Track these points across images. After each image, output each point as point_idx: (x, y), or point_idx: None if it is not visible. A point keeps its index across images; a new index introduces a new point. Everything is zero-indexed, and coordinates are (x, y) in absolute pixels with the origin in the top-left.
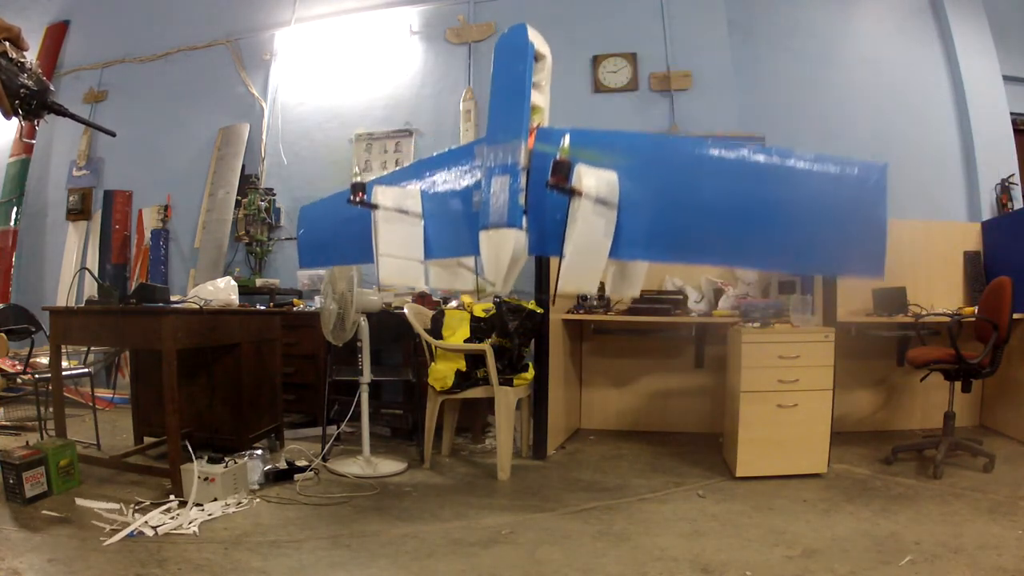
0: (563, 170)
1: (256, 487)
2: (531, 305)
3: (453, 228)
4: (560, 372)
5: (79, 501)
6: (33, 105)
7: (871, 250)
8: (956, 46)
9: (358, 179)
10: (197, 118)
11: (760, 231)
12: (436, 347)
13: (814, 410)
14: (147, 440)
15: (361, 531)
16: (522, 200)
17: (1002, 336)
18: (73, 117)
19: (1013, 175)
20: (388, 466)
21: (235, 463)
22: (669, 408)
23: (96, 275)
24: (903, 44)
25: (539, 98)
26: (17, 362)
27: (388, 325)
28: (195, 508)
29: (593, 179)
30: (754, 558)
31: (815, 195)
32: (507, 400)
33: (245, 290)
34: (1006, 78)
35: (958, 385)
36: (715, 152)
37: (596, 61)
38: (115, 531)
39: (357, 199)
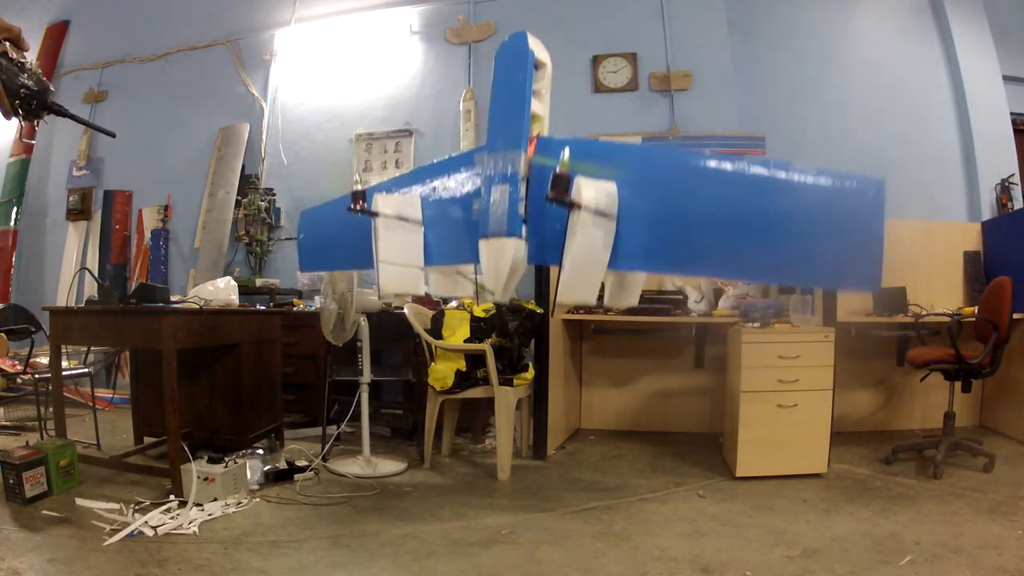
0: (563, 184)
1: (256, 487)
2: (531, 305)
3: (453, 235)
4: (560, 372)
5: (79, 501)
6: (33, 105)
7: (868, 264)
8: (956, 46)
9: (358, 186)
10: (197, 118)
11: (758, 244)
12: (436, 347)
13: (814, 410)
14: (147, 440)
15: (361, 531)
16: (522, 209)
17: (1002, 336)
18: (73, 118)
19: (1013, 175)
20: (388, 466)
21: (235, 463)
22: (669, 408)
23: (96, 275)
24: (903, 44)
25: (539, 107)
26: (17, 362)
27: (388, 325)
28: (195, 508)
29: (592, 191)
30: (754, 558)
31: (813, 208)
32: (507, 400)
33: (245, 290)
34: (1006, 78)
35: (958, 385)
36: (714, 164)
37: (596, 61)
38: (115, 531)
39: (357, 207)
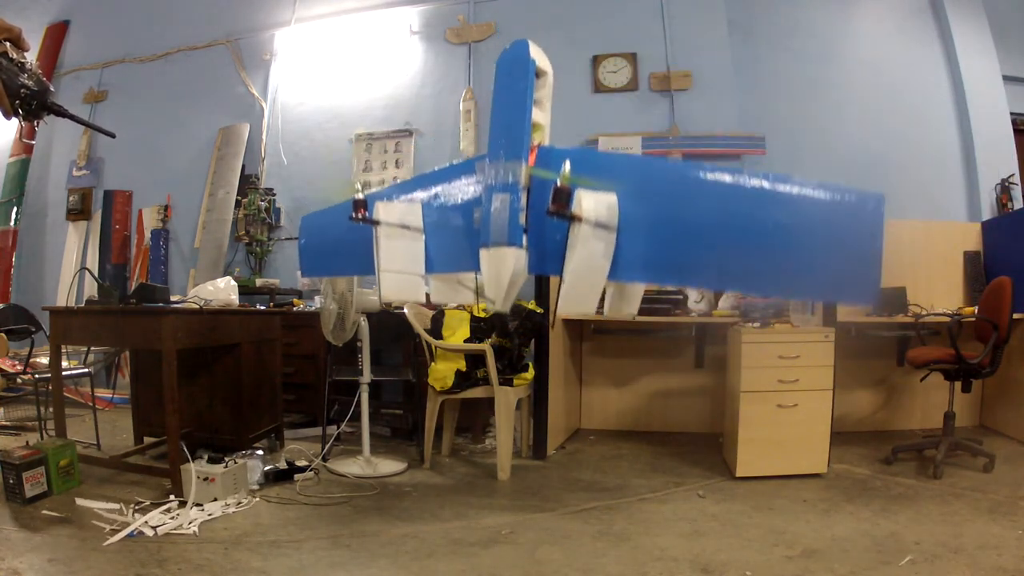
0: (564, 197)
1: (256, 487)
2: (531, 305)
3: (454, 243)
4: (560, 372)
5: (79, 501)
6: (33, 105)
7: (866, 278)
8: (956, 46)
9: (360, 195)
10: (197, 118)
11: (757, 256)
12: (436, 347)
13: (814, 410)
14: (147, 440)
15: (361, 531)
16: (522, 219)
17: (1002, 336)
18: (73, 118)
19: (1013, 175)
20: (388, 466)
21: (235, 463)
22: (669, 408)
23: (96, 275)
24: (903, 44)
25: (540, 116)
26: (17, 362)
27: (388, 325)
28: (195, 508)
29: (593, 202)
30: (754, 558)
31: (812, 221)
32: (507, 400)
33: (245, 290)
34: (1006, 78)
35: (958, 385)
36: (714, 176)
37: (596, 61)
38: (115, 531)
39: (359, 216)
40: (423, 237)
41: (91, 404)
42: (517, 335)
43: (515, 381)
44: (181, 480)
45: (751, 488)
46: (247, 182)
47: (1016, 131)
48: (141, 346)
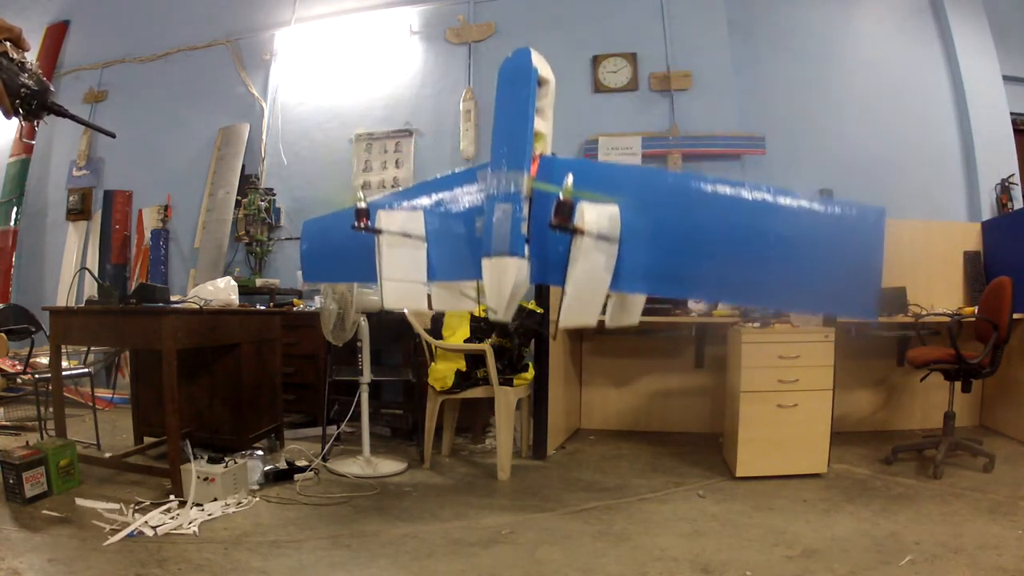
0: (566, 211)
1: (256, 487)
2: (531, 305)
3: (456, 251)
4: (560, 372)
5: (79, 501)
6: (33, 105)
7: (865, 292)
8: (956, 46)
9: (362, 204)
10: (197, 118)
11: (757, 268)
12: (436, 347)
13: (814, 410)
14: (147, 440)
15: (361, 531)
16: (524, 229)
17: (1002, 336)
18: (73, 118)
19: (1013, 175)
20: (388, 466)
21: (235, 463)
22: (669, 408)
23: (96, 275)
24: (903, 44)
25: (542, 124)
26: (17, 362)
27: (388, 325)
28: (195, 508)
29: (595, 214)
30: (754, 558)
31: (813, 235)
32: (507, 400)
33: (245, 290)
34: (1006, 78)
35: (958, 385)
36: (716, 188)
37: (596, 61)
38: (115, 531)
39: (361, 225)
40: (425, 245)
41: (91, 404)
42: (517, 335)
43: (515, 381)
44: (181, 480)
45: (751, 488)
46: (247, 182)
47: (1016, 131)
48: (141, 346)
